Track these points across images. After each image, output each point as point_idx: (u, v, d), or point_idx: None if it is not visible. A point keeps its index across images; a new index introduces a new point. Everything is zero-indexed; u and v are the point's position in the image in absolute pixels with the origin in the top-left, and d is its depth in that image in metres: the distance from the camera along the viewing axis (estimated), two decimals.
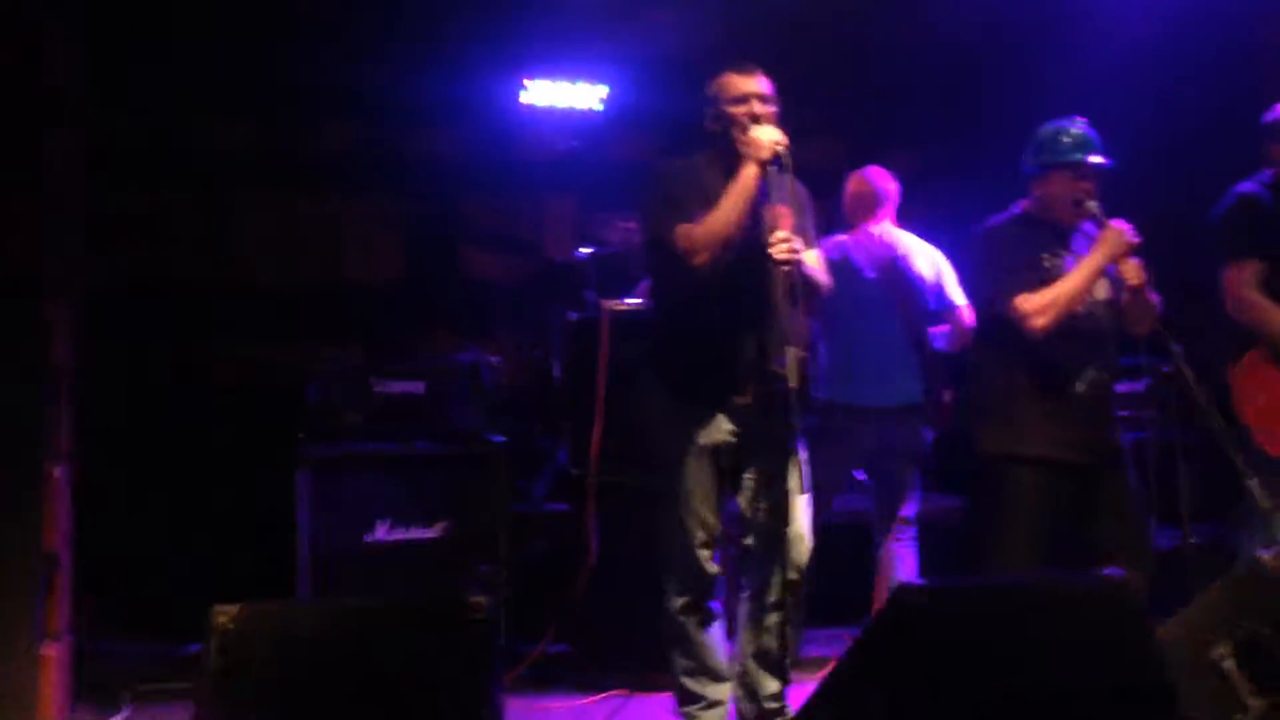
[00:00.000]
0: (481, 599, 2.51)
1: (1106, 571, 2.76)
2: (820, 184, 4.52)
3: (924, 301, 4.43)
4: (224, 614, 2.47)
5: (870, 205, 4.51)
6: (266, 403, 5.39)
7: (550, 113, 6.21)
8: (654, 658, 3.81)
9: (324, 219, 6.25)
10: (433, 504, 4.27)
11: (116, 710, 3.91)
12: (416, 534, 4.25)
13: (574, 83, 6.17)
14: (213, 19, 5.51)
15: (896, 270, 4.40)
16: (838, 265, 4.34)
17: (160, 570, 4.88)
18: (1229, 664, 2.92)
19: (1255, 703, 2.88)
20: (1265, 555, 2.94)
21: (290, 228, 6.17)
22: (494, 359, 4.69)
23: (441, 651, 2.47)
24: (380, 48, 5.84)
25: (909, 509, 4.41)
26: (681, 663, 3.48)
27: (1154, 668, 2.60)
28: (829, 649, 4.34)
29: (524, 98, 6.14)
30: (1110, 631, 2.63)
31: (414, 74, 5.90)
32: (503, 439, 4.47)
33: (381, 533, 4.23)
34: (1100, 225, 3.63)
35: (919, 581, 4.12)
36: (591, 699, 4.07)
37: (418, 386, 4.41)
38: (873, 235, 4.46)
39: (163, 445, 5.35)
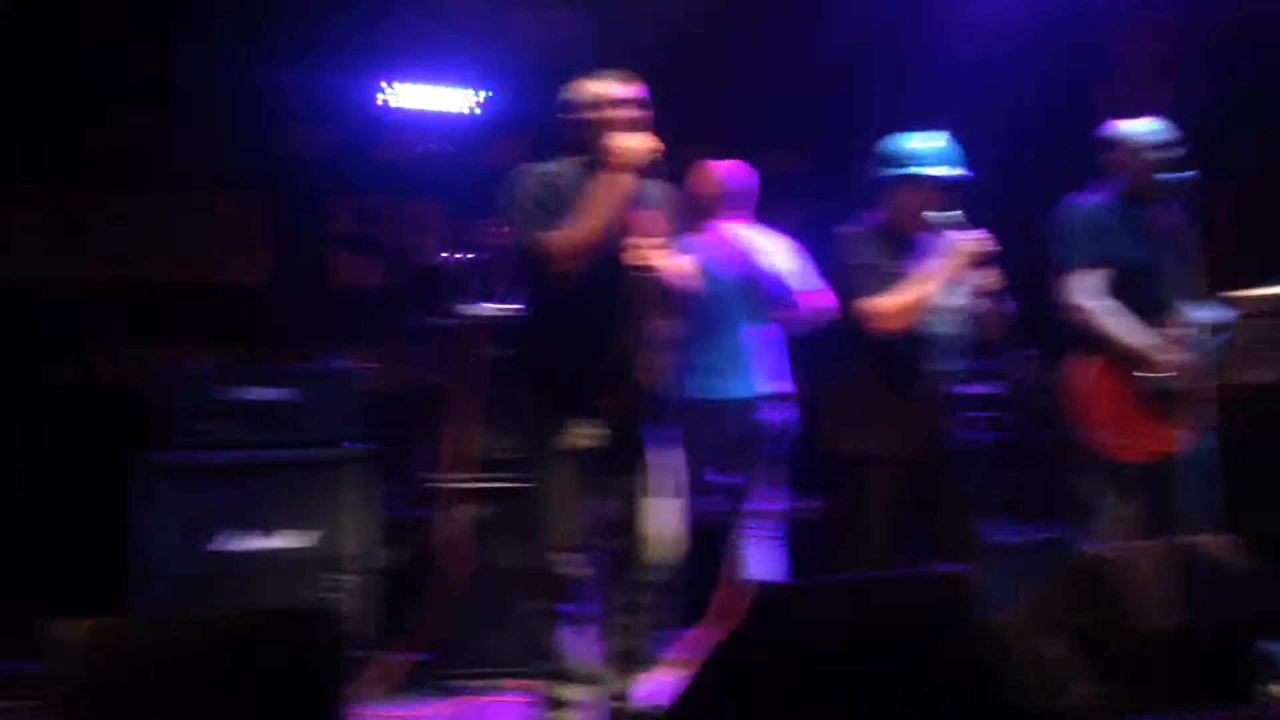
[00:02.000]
0: (332, 609, 2.49)
1: (946, 566, 2.86)
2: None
3: (780, 294, 4.52)
4: (67, 629, 2.41)
5: (726, 202, 4.57)
6: (120, 407, 5.25)
7: (420, 115, 6.17)
8: (518, 662, 3.83)
9: (184, 219, 6.11)
10: (297, 512, 4.22)
11: None
12: (278, 544, 4.19)
13: (444, 86, 6.14)
14: (68, 13, 5.37)
15: (754, 263, 4.48)
16: (697, 262, 4.40)
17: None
18: (1062, 654, 3.06)
19: (1083, 689, 3.03)
20: (1097, 549, 3.08)
21: (148, 227, 6.02)
22: (362, 364, 4.64)
23: (290, 664, 2.44)
24: (245, 45, 5.74)
25: (775, 504, 4.50)
26: (545, 666, 3.49)
27: (988, 657, 2.71)
28: (690, 648, 4.39)
29: (387, 100, 6.09)
30: (948, 623, 2.73)
31: (278, 72, 5.82)
32: (371, 445, 4.43)
33: (240, 543, 4.16)
34: (955, 233, 3.76)
35: (778, 580, 4.23)
36: (453, 704, 4.06)
37: (283, 392, 4.35)
38: (728, 230, 4.53)
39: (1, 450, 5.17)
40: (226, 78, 5.71)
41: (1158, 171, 3.97)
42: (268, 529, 4.19)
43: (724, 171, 4.60)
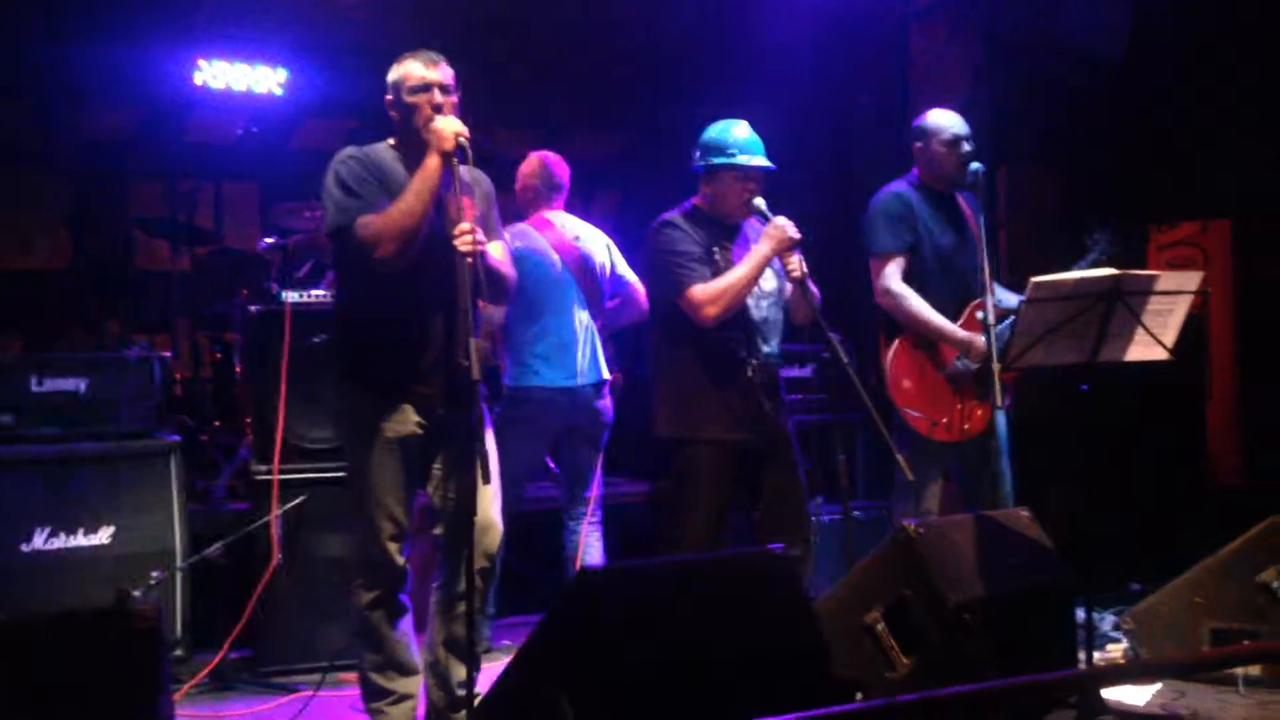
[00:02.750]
0: (147, 607, 2.39)
1: (770, 546, 2.93)
2: (505, 174, 4.56)
3: (603, 284, 4.57)
4: None
5: (547, 192, 4.59)
6: None
7: (228, 95, 5.95)
8: (341, 655, 3.75)
9: None
10: (98, 509, 4.03)
11: None
12: (80, 541, 4.00)
13: (252, 65, 5.94)
14: None
15: (578, 254, 4.51)
16: (522, 252, 4.40)
17: None
18: (880, 627, 3.18)
19: (904, 661, 3.15)
20: (910, 525, 3.21)
21: None
22: (166, 353, 4.45)
23: (103, 667, 2.33)
24: (39, 20, 5.43)
25: (594, 489, 4.54)
26: (370, 658, 3.42)
27: (809, 632, 2.79)
28: (522, 636, 4.39)
29: (198, 78, 5.85)
30: (770, 601, 2.80)
31: (77, 48, 5.52)
32: (176, 437, 4.26)
33: (40, 541, 3.94)
34: (765, 221, 3.85)
35: (599, 564, 4.26)
36: (275, 702, 3.95)
37: (80, 383, 4.14)
38: (551, 221, 4.55)
39: None
40: (23, 51, 5.39)
41: (959, 162, 4.15)
42: (70, 526, 3.98)
43: (548, 160, 4.62)
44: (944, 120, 4.25)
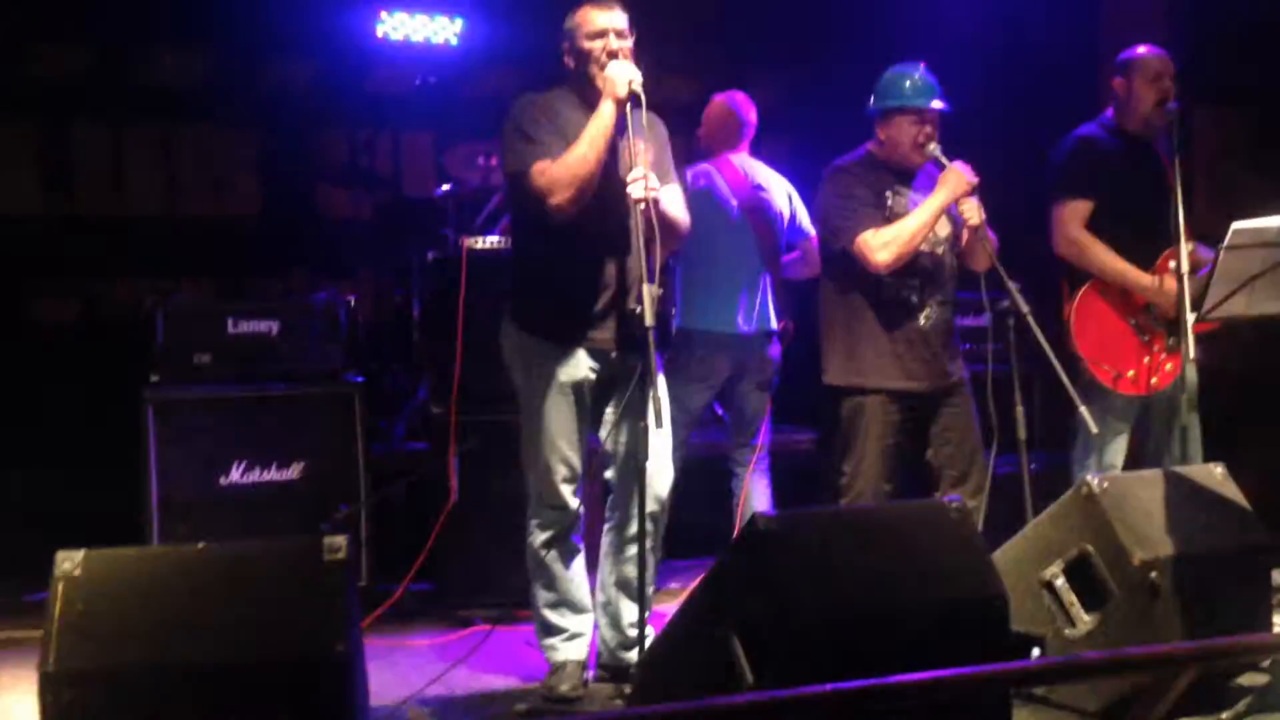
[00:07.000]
0: (338, 539, 2.49)
1: (945, 497, 2.87)
2: (678, 120, 4.53)
3: (781, 231, 4.50)
4: (68, 560, 2.40)
5: (733, 134, 4.51)
6: (114, 341, 5.22)
7: (407, 46, 6.08)
8: (517, 592, 3.85)
9: (175, 151, 6.04)
10: (289, 446, 4.22)
11: None
12: (273, 476, 4.19)
13: (431, 16, 6.05)
14: None
15: (757, 200, 4.45)
16: (702, 194, 4.37)
17: (3, 515, 4.70)
18: (1060, 582, 3.10)
19: (1085, 619, 3.07)
20: (1093, 480, 3.11)
21: (139, 161, 5.94)
22: (351, 297, 4.61)
23: (297, 594, 2.44)
24: None
25: (762, 436, 4.51)
26: (543, 595, 3.52)
27: (987, 585, 2.73)
28: (688, 579, 4.43)
29: (379, 30, 6.00)
30: (948, 553, 2.74)
31: (266, 2, 5.73)
32: (360, 379, 4.42)
33: (236, 475, 4.16)
34: (942, 166, 3.74)
35: (771, 511, 4.25)
36: (454, 635, 4.09)
37: (271, 326, 4.33)
38: (734, 165, 4.48)
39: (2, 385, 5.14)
40: (215, 4, 5.62)
41: (1157, 101, 3.95)
42: (263, 461, 4.18)
43: (734, 100, 4.54)
44: (1151, 56, 4.03)
